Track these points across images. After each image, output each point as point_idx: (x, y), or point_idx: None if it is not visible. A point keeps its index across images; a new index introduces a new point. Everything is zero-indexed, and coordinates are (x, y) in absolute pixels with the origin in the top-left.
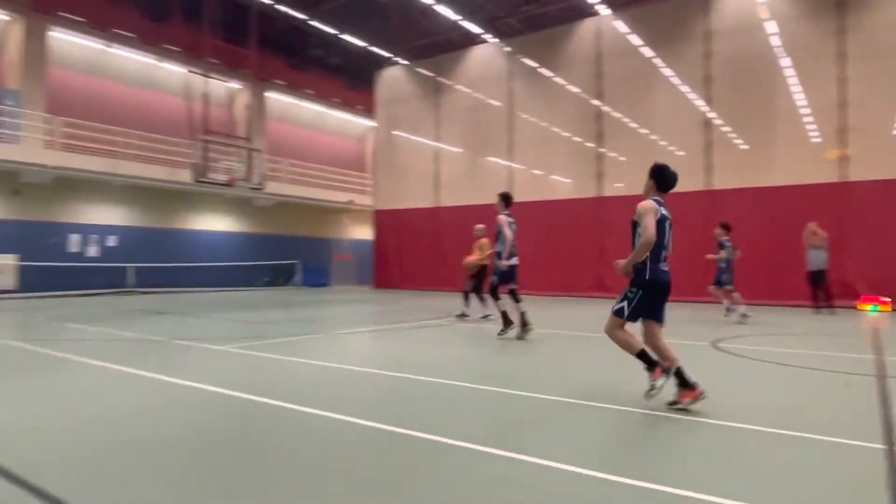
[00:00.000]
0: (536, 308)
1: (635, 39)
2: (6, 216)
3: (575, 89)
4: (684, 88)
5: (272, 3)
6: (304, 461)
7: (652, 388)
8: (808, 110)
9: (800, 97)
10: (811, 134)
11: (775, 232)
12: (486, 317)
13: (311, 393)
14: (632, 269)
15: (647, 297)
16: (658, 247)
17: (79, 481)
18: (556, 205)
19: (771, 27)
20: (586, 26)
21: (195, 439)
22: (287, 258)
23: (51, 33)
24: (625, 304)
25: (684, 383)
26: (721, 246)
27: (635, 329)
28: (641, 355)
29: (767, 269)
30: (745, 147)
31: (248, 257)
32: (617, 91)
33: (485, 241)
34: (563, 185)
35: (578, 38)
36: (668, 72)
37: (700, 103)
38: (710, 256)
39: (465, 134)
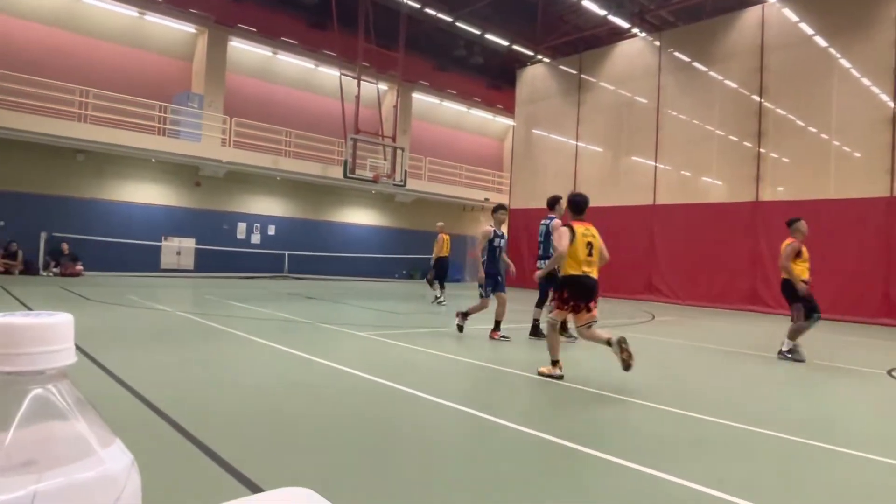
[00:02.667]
0: (684, 319)
1: (806, 28)
2: (188, 205)
3: (732, 84)
4: (866, 81)
5: (420, 6)
6: (430, 446)
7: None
8: None
9: None
10: None
11: None
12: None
13: (441, 384)
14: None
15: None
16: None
17: (230, 439)
18: (706, 209)
19: None
20: (749, 16)
21: (329, 412)
22: (424, 253)
23: (229, 43)
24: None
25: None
26: None
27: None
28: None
29: None
30: None
31: (388, 250)
32: (782, 85)
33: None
34: (714, 187)
35: (739, 29)
36: (845, 63)
37: (885, 98)
38: None
39: (607, 132)
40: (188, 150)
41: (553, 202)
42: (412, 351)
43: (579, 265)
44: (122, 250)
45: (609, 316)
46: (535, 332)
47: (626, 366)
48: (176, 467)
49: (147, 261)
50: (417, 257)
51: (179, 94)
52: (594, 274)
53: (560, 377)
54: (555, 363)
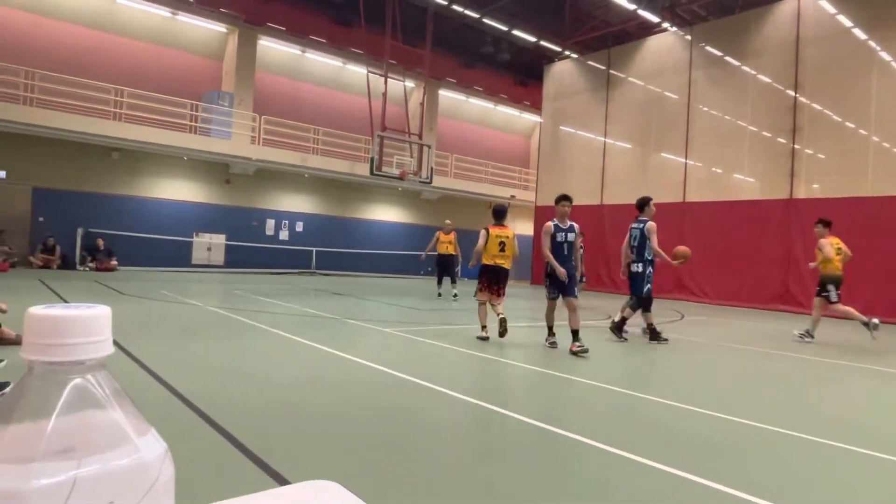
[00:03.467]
0: (714, 318)
1: (844, 20)
2: (218, 201)
3: (766, 79)
4: None
5: (447, 3)
6: (453, 441)
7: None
8: None
9: None
10: None
11: None
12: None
13: (466, 381)
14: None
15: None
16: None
17: (258, 431)
18: (738, 206)
19: None
20: (783, 8)
21: (355, 407)
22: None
23: (259, 42)
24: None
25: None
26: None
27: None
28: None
29: None
30: None
31: (414, 247)
32: (818, 80)
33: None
34: (746, 184)
35: (773, 23)
36: (885, 56)
37: None
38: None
39: (635, 129)
40: (219, 147)
41: (642, 204)
42: (436, 347)
43: (493, 258)
44: (155, 246)
45: (636, 314)
46: (654, 336)
47: (502, 334)
48: (205, 457)
49: (179, 256)
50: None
51: (210, 92)
52: (506, 265)
53: (486, 338)
54: (483, 327)
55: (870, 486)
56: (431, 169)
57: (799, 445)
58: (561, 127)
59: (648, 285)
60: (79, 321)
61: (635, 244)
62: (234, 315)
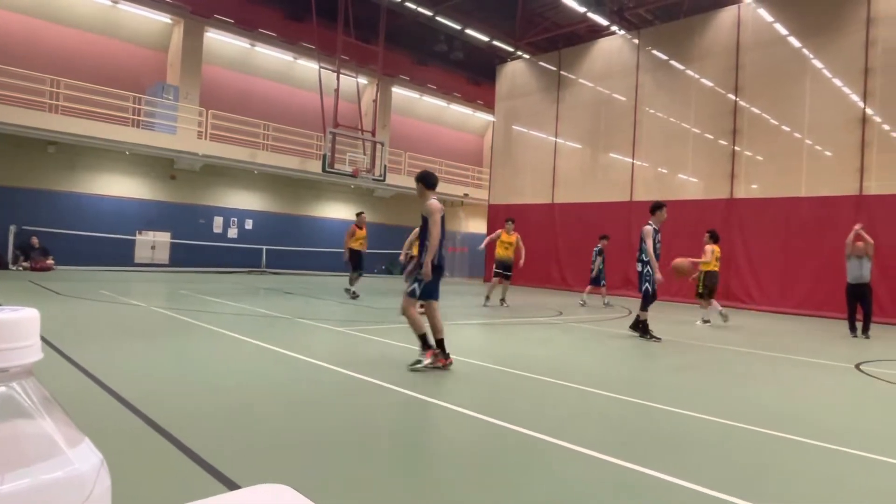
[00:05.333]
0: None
1: (781, 28)
2: (163, 198)
3: (709, 83)
4: (837, 81)
5: (400, 0)
6: (406, 440)
7: (418, 362)
8: None
9: None
10: None
11: None
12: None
13: (415, 377)
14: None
15: (434, 280)
16: (443, 238)
17: (207, 435)
18: (682, 206)
19: None
20: (725, 15)
21: (306, 407)
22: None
23: (206, 34)
24: (416, 286)
25: (443, 352)
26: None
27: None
28: (423, 337)
29: None
30: None
31: (368, 245)
32: (757, 85)
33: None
34: (690, 184)
35: (715, 28)
36: (817, 63)
37: (856, 98)
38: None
39: (585, 129)
40: (163, 142)
41: (654, 208)
42: (387, 346)
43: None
44: (95, 244)
45: (533, 311)
46: (644, 331)
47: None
48: (151, 465)
49: (120, 255)
50: (397, 252)
51: (154, 85)
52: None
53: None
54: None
55: (807, 472)
56: (385, 166)
57: (724, 433)
58: (513, 126)
59: (647, 284)
60: (2, 325)
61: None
62: (179, 316)
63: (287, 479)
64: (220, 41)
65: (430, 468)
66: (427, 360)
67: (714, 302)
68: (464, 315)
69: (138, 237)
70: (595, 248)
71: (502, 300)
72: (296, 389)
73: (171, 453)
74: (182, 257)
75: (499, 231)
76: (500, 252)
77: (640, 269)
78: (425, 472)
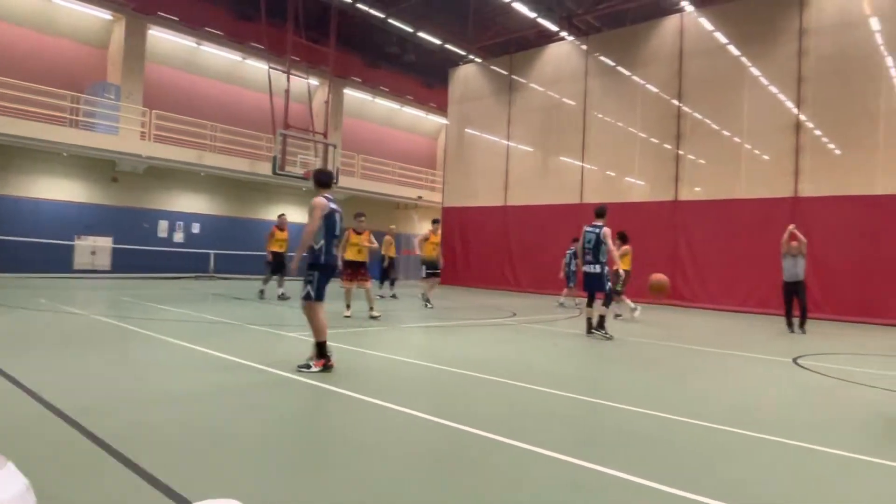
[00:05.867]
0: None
1: (720, 37)
2: (104, 201)
3: (654, 89)
4: (773, 89)
5: (352, 1)
6: (363, 448)
7: (307, 367)
8: None
9: None
10: None
11: (872, 245)
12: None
13: (371, 382)
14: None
15: (323, 278)
16: (331, 235)
17: (153, 449)
18: (629, 207)
19: (874, 24)
20: (668, 23)
21: (257, 417)
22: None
23: (149, 31)
24: (310, 288)
25: (323, 353)
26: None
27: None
28: (320, 345)
29: (859, 284)
30: (839, 152)
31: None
32: (698, 91)
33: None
34: (637, 187)
35: (659, 36)
36: (755, 71)
37: (790, 105)
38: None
39: (536, 133)
40: (104, 143)
41: (602, 211)
42: (345, 351)
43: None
44: (30, 250)
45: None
46: (600, 327)
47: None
48: (94, 483)
49: (58, 261)
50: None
51: (94, 84)
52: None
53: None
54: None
55: (753, 464)
56: (337, 169)
57: (677, 428)
58: (466, 129)
59: (609, 283)
60: None
61: (590, 247)
62: (122, 324)
63: (238, 492)
64: (165, 39)
65: (385, 474)
66: (316, 370)
67: (625, 298)
68: (417, 318)
69: (77, 242)
70: (568, 251)
71: (427, 300)
72: (247, 398)
73: (115, 469)
74: (125, 263)
75: (427, 232)
76: (429, 252)
77: (597, 270)
78: (381, 478)
